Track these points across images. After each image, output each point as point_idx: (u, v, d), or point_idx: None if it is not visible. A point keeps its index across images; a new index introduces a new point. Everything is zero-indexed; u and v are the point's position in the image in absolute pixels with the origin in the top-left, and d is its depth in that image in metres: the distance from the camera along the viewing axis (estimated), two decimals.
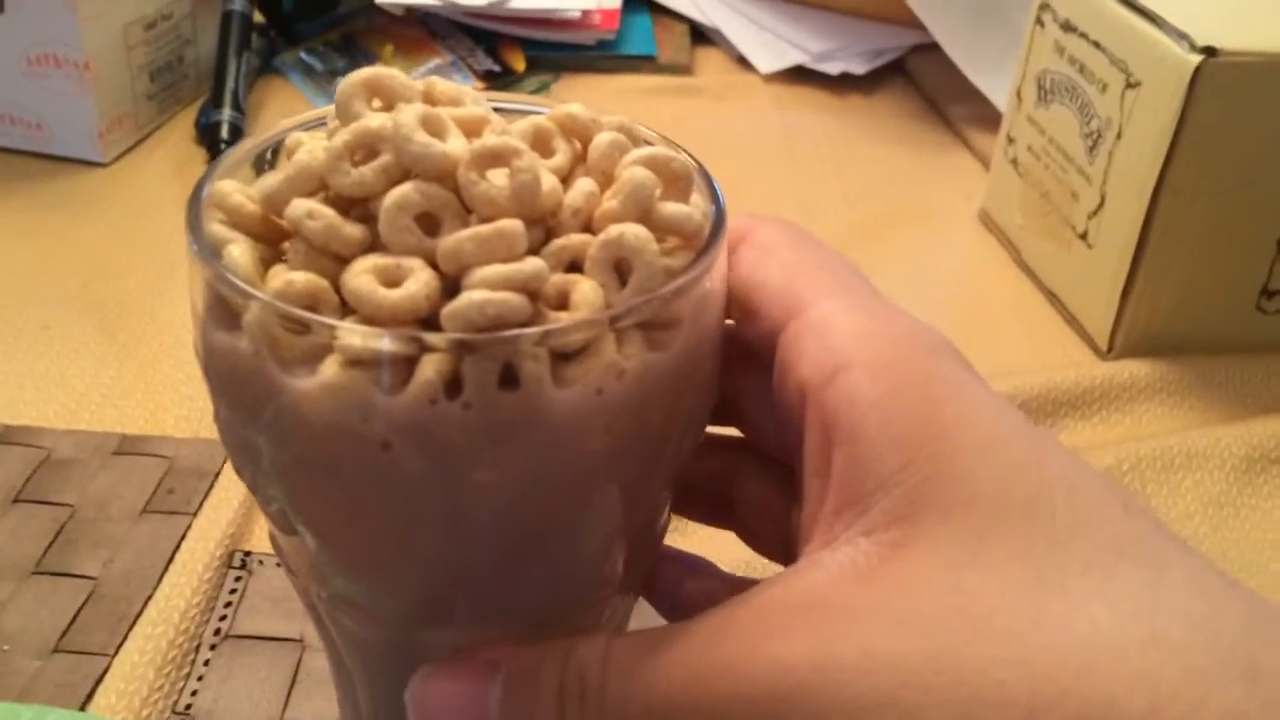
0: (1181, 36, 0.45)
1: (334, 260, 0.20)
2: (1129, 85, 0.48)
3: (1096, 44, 0.51)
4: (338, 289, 0.20)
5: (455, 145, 0.20)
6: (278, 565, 0.39)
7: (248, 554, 0.39)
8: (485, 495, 0.20)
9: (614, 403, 0.20)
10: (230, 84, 0.66)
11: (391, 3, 0.72)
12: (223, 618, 0.37)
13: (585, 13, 0.76)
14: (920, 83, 0.78)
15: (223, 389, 0.21)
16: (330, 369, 0.19)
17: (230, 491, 0.41)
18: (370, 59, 0.74)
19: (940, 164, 0.70)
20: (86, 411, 0.46)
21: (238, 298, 0.19)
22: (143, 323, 0.51)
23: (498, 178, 0.20)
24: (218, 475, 0.42)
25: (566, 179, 0.22)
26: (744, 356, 0.24)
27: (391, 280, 0.19)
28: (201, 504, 0.41)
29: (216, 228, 0.21)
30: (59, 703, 0.34)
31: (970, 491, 0.19)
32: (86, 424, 0.45)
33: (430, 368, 0.19)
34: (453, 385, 0.19)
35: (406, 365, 0.19)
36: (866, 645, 0.18)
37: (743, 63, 0.81)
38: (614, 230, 0.20)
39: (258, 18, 0.73)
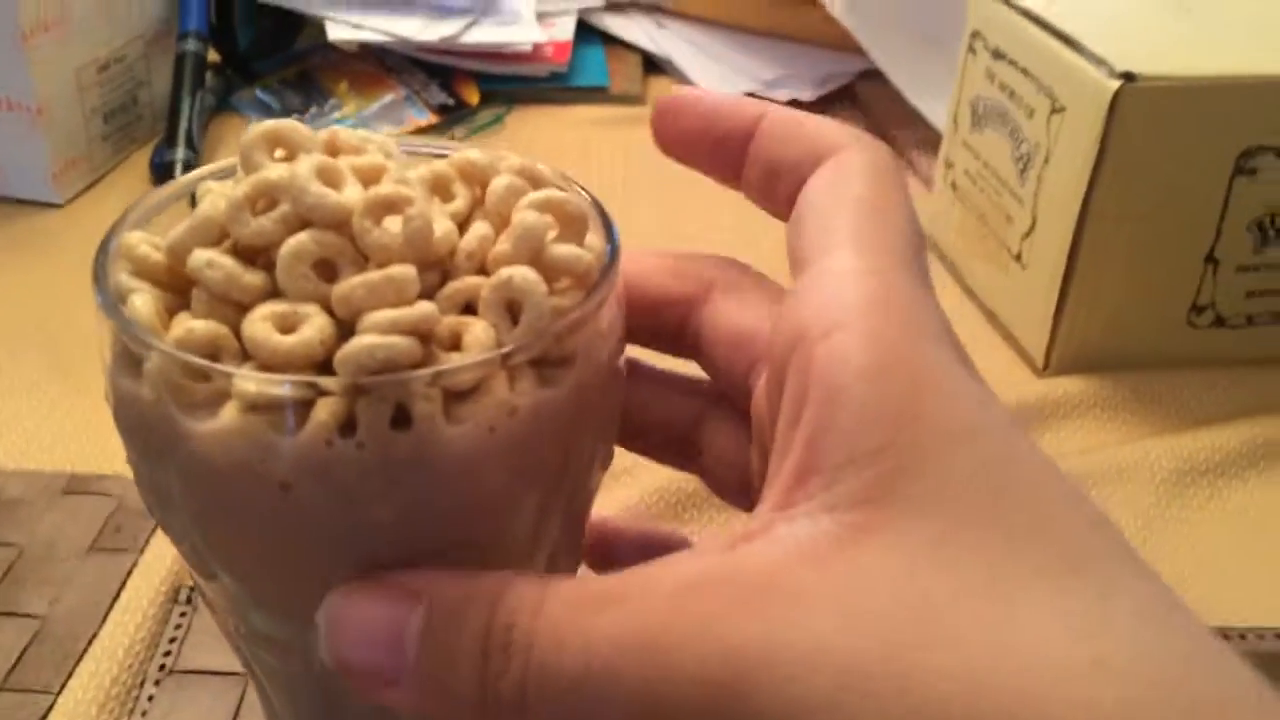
0: (1101, 62, 0.47)
1: (235, 308, 0.21)
2: (1054, 110, 0.50)
3: (1024, 70, 0.52)
4: (239, 336, 0.21)
5: (351, 194, 0.21)
6: None
7: (192, 589, 0.40)
8: (384, 532, 0.21)
9: (507, 440, 0.21)
10: (184, 123, 0.66)
11: (345, 40, 0.73)
12: (167, 653, 0.38)
13: (537, 45, 0.78)
14: (869, 108, 0.79)
15: (130, 435, 0.22)
16: (229, 414, 0.20)
17: None
18: (326, 95, 0.75)
19: None
20: (38, 449, 0.46)
21: (139, 347, 0.20)
22: (95, 362, 0.51)
23: (393, 224, 0.21)
24: None
25: (464, 223, 0.23)
26: (723, 291, 0.24)
27: (288, 326, 0.20)
28: (148, 540, 0.42)
29: (123, 278, 0.22)
30: None
31: (938, 484, 0.18)
32: (37, 463, 0.45)
33: (324, 410, 0.19)
34: (348, 426, 0.20)
35: (303, 409, 0.20)
36: (815, 639, 0.17)
37: None
38: (504, 273, 0.21)
39: (213, 56, 0.74)
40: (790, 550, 0.18)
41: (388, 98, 0.75)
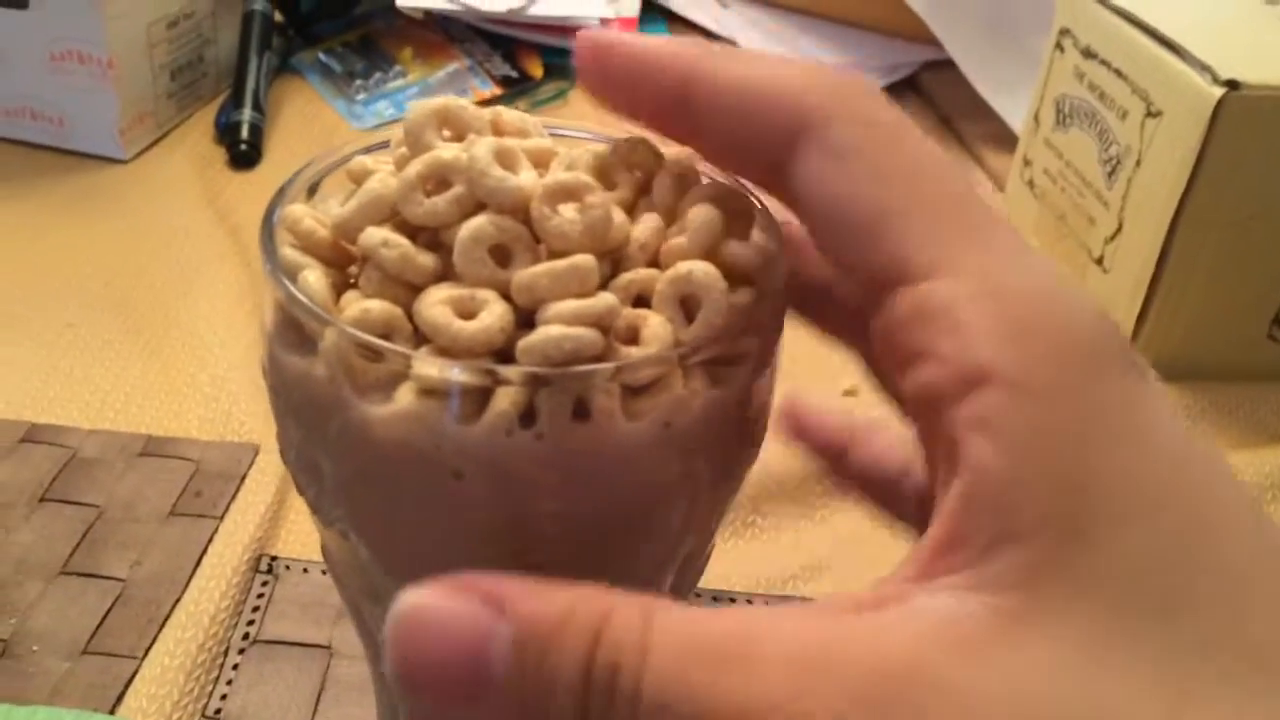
0: (1204, 69, 0.46)
1: (406, 288, 0.20)
2: (1149, 114, 0.49)
3: (1118, 71, 0.51)
4: (409, 316, 0.20)
5: (527, 179, 0.21)
6: (305, 571, 0.39)
7: (274, 559, 0.40)
8: (548, 522, 0.21)
9: (680, 435, 0.20)
10: (251, 84, 0.66)
11: (412, 6, 0.73)
12: (250, 622, 0.38)
13: (604, 21, 0.77)
14: (934, 99, 0.79)
15: (294, 411, 0.21)
16: (406, 397, 0.19)
17: (257, 495, 0.42)
18: (389, 61, 0.75)
19: None
20: (111, 411, 0.46)
21: (315, 323, 0.20)
22: (166, 323, 0.51)
23: (567, 211, 0.21)
24: (244, 479, 0.43)
25: (629, 211, 0.22)
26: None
27: (466, 311, 0.20)
28: (228, 507, 0.41)
29: (289, 252, 0.21)
30: (90, 704, 0.34)
31: (1107, 565, 0.15)
32: (111, 423, 0.45)
33: (506, 400, 0.19)
34: (525, 416, 0.19)
35: (480, 395, 0.19)
36: None
37: None
38: (683, 267, 0.20)
39: (277, 17, 0.73)
40: (933, 632, 0.16)
41: (452, 67, 0.74)
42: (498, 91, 0.73)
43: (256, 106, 0.65)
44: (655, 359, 0.20)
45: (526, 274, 0.20)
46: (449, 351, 0.19)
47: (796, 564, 0.42)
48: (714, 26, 0.84)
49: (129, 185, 0.62)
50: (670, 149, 0.23)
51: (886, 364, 0.18)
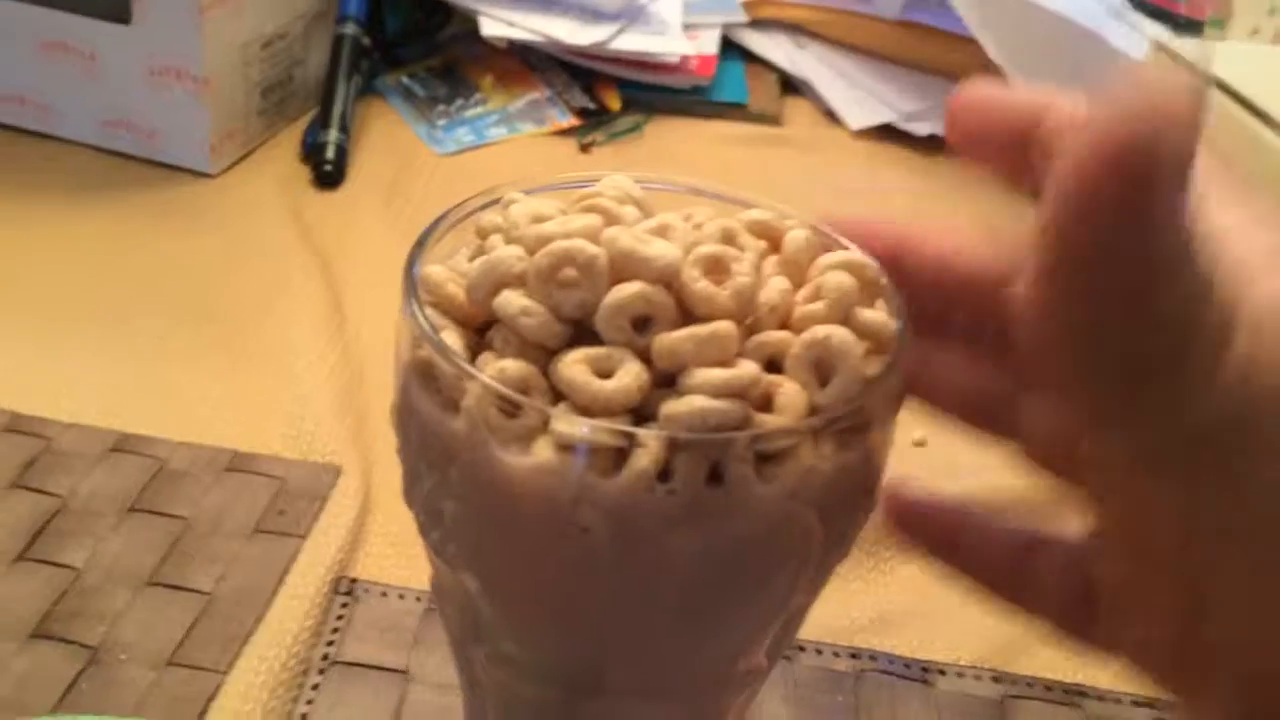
0: None
1: (540, 351, 0.21)
2: None
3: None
4: (543, 377, 0.21)
5: (671, 251, 0.21)
6: (383, 595, 0.40)
7: (354, 581, 0.40)
8: (669, 579, 0.21)
9: (807, 500, 0.21)
10: (339, 107, 0.67)
11: (497, 36, 0.74)
12: (330, 643, 0.38)
13: (683, 58, 0.78)
14: None
15: (430, 458, 0.22)
16: (544, 451, 0.20)
17: (339, 518, 0.42)
18: (471, 88, 0.76)
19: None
20: (198, 424, 0.47)
21: (458, 379, 0.20)
22: (252, 340, 0.52)
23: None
24: (326, 500, 0.43)
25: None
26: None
27: (603, 370, 0.20)
28: (310, 528, 0.42)
29: (429, 312, 0.22)
30: (175, 716, 0.35)
31: None
32: (197, 436, 0.46)
33: (646, 458, 0.19)
34: (659, 475, 0.20)
35: (616, 454, 0.20)
36: None
37: (831, 116, 0.82)
38: (820, 331, 0.21)
39: (365, 41, 0.74)
40: None
41: (532, 96, 0.75)
42: (575, 122, 0.74)
43: (343, 128, 0.67)
44: (792, 429, 0.20)
45: (670, 338, 0.20)
46: (588, 409, 0.20)
47: (865, 617, 0.42)
48: (789, 67, 0.85)
49: (216, 199, 0.63)
50: (791, 219, 0.24)
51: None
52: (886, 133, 0.79)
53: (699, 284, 0.21)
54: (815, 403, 0.21)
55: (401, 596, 0.40)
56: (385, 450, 0.46)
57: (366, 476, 0.45)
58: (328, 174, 0.65)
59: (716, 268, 0.21)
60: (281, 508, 0.43)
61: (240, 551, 0.41)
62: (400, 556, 0.42)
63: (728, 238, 0.23)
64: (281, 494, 0.43)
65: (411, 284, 0.22)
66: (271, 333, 0.53)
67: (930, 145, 0.79)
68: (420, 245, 0.23)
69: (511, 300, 0.21)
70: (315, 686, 0.37)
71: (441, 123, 0.73)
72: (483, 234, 0.24)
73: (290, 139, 0.69)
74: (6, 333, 0.51)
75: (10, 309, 0.52)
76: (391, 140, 0.71)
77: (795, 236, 0.23)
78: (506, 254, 0.22)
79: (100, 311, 0.53)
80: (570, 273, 0.21)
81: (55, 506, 0.42)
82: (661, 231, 0.23)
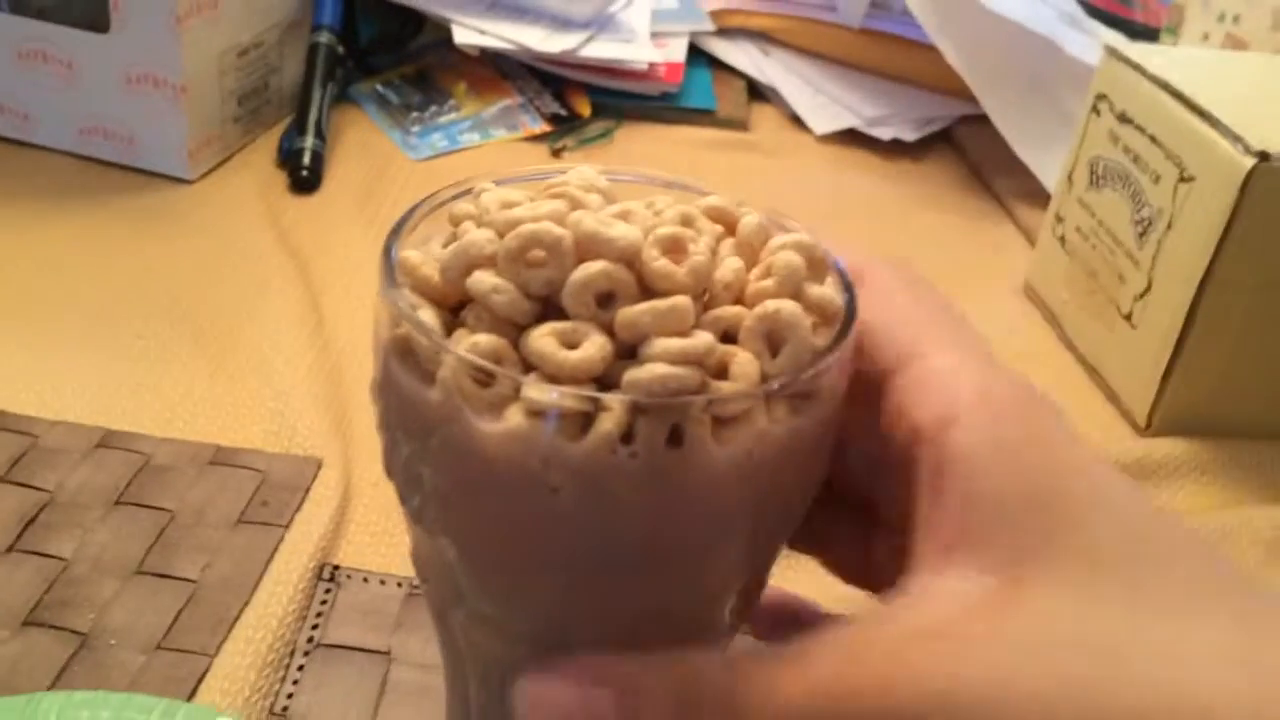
0: (1237, 139, 0.48)
1: (510, 327, 0.23)
2: (1182, 179, 0.51)
3: (1152, 137, 0.53)
4: (513, 350, 0.22)
5: (632, 232, 0.23)
6: (365, 581, 0.41)
7: (336, 568, 0.42)
8: (633, 537, 0.23)
9: (760, 462, 0.22)
10: (314, 113, 0.69)
11: (469, 44, 0.75)
12: (314, 627, 0.40)
13: (651, 65, 0.79)
14: (968, 153, 0.81)
15: (404, 427, 0.23)
16: (515, 418, 0.22)
17: (320, 507, 0.44)
18: (444, 95, 0.77)
19: (984, 235, 0.73)
20: (180, 420, 0.48)
21: (434, 352, 0.22)
22: (231, 339, 0.54)
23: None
24: (308, 491, 0.45)
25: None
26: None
27: (569, 342, 0.22)
28: (293, 518, 0.43)
29: (405, 292, 0.23)
30: (168, 695, 0.36)
31: (1086, 537, 0.21)
32: (180, 433, 0.47)
33: (609, 422, 0.21)
34: (623, 438, 0.21)
35: (582, 419, 0.21)
36: (1001, 673, 0.19)
37: (797, 122, 0.84)
38: (770, 305, 0.22)
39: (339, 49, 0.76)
40: (957, 603, 0.21)
41: (504, 103, 0.77)
42: (546, 129, 0.76)
43: (319, 134, 0.68)
44: (745, 394, 0.22)
45: (631, 311, 0.22)
46: (555, 378, 0.22)
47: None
48: (756, 74, 0.87)
49: (194, 204, 0.65)
50: (745, 207, 0.26)
51: (891, 422, 0.24)
52: (850, 137, 0.82)
53: (658, 262, 0.22)
54: (767, 371, 0.22)
55: (383, 582, 0.42)
56: (365, 442, 0.48)
57: (347, 468, 0.46)
58: (304, 179, 0.66)
59: (675, 248, 0.23)
60: (264, 499, 0.44)
61: (225, 541, 0.42)
62: (381, 544, 0.43)
63: (685, 221, 0.25)
64: (264, 486, 0.45)
65: (390, 267, 0.24)
66: (251, 332, 0.54)
67: (892, 149, 0.81)
68: (396, 231, 0.25)
69: (483, 279, 0.23)
70: (300, 668, 0.38)
71: (416, 129, 0.74)
72: (455, 221, 0.25)
73: (267, 145, 0.71)
74: None
75: None
76: (367, 146, 0.73)
77: (749, 221, 0.25)
78: (478, 236, 0.23)
79: (84, 313, 0.54)
80: (538, 253, 0.22)
81: (43, 500, 0.43)
82: (623, 216, 0.24)
